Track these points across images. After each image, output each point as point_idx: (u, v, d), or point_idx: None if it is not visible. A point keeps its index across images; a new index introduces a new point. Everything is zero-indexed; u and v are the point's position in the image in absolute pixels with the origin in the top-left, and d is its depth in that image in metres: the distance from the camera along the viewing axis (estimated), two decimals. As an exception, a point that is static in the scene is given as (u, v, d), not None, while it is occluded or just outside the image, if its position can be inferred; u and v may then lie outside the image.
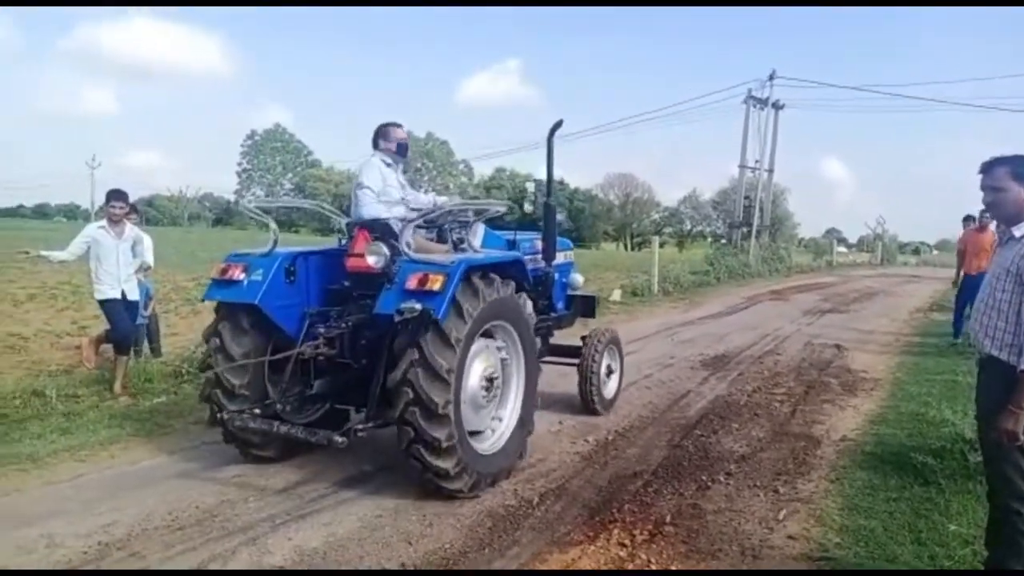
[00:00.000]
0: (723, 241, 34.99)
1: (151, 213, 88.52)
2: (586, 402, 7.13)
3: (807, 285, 24.60)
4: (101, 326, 8.14)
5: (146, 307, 8.61)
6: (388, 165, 5.91)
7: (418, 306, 4.61)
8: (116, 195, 7.52)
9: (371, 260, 5.27)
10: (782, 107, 31.08)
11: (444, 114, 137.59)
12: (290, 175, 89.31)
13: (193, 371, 7.64)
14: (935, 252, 61.99)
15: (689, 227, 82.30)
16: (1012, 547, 3.43)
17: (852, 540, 4.45)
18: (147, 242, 7.96)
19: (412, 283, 4.74)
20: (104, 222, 7.53)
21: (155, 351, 8.94)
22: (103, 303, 7.44)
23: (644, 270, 20.89)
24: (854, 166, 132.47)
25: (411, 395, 4.66)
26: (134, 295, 7.65)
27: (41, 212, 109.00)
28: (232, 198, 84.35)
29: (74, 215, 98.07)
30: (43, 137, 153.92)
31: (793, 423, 7.11)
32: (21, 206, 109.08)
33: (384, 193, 5.77)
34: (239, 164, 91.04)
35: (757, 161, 30.83)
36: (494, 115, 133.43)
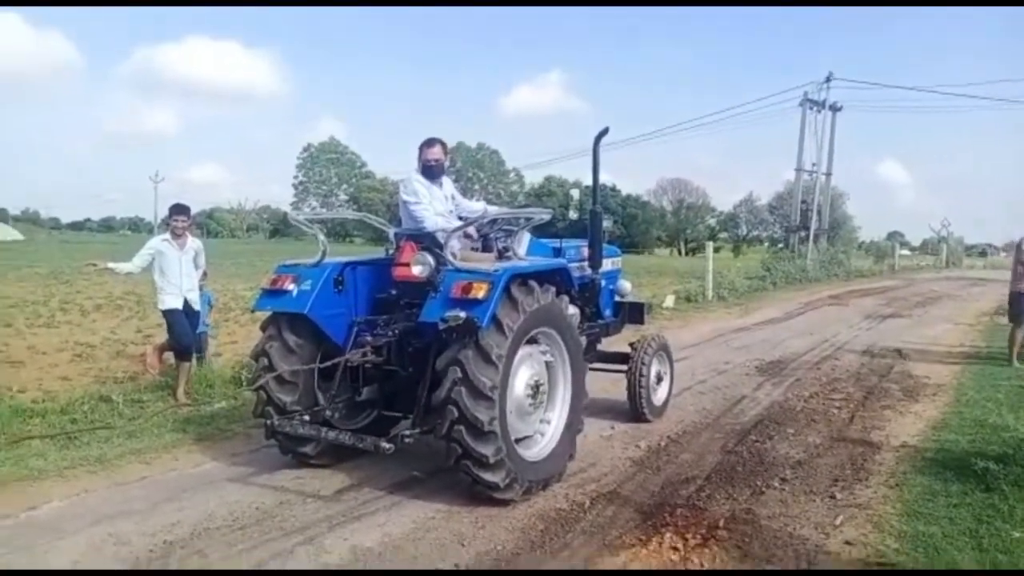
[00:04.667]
0: (780, 246, 34.40)
1: (212, 225, 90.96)
2: (635, 409, 7.08)
3: (867, 289, 24.08)
4: (164, 335, 8.40)
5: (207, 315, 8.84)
6: (428, 181, 5.96)
7: (462, 314, 4.64)
8: (179, 209, 7.80)
9: (416, 270, 5.35)
10: (839, 109, 30.56)
11: (495, 124, 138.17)
12: (345, 186, 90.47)
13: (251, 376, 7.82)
14: (1003, 254, 59.93)
15: (745, 232, 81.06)
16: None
17: (911, 546, 4.36)
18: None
19: (456, 291, 4.79)
20: (167, 235, 7.79)
21: (201, 360, 9.12)
22: (166, 312, 7.69)
23: (698, 276, 20.70)
24: (916, 168, 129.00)
25: (456, 414, 4.68)
26: (196, 305, 7.89)
27: (107, 225, 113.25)
28: (289, 210, 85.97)
29: (138, 228, 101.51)
30: (110, 155, 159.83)
31: (851, 429, 6.98)
32: (88, 220, 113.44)
33: (433, 206, 5.85)
34: (295, 177, 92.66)
35: (814, 164, 30.35)
36: (545, 123, 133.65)
